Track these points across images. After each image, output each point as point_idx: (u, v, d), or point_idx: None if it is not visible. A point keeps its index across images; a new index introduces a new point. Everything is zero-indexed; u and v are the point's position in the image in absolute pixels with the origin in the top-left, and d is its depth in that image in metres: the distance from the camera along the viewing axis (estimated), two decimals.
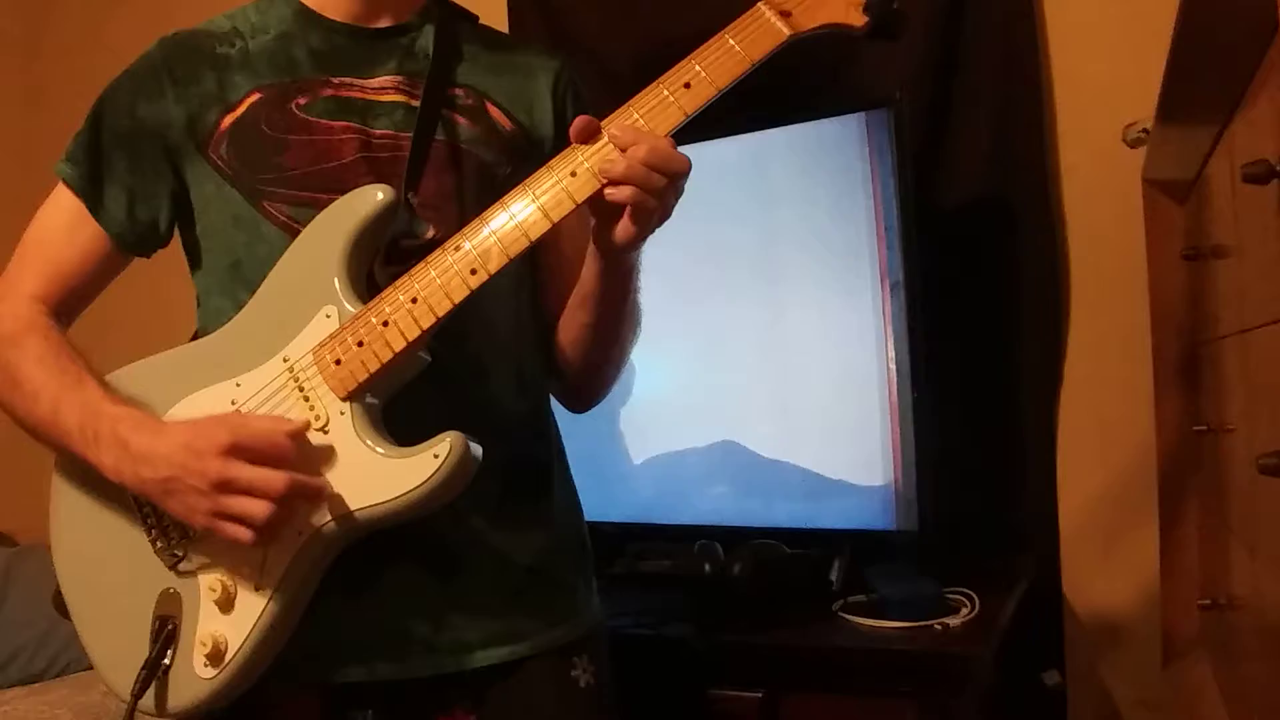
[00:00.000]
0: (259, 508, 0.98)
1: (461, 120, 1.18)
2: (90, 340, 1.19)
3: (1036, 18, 1.81)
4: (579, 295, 1.20)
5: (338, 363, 1.05)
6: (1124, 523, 1.78)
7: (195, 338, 1.21)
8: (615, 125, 1.04)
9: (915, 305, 1.60)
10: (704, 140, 1.75)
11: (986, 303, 1.83)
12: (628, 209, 1.04)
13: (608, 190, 1.03)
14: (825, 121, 1.69)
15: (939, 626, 1.46)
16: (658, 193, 1.03)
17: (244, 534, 1.00)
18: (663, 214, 1.06)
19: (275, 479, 0.99)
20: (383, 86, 1.17)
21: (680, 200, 1.07)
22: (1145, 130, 1.55)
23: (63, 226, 1.18)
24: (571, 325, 1.23)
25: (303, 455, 1.03)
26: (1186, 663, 1.62)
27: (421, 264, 1.05)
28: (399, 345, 1.04)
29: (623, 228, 1.06)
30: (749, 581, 1.55)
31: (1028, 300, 1.82)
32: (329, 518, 1.03)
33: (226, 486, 0.99)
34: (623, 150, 1.02)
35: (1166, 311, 1.69)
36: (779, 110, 1.68)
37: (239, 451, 1.00)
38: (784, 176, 1.75)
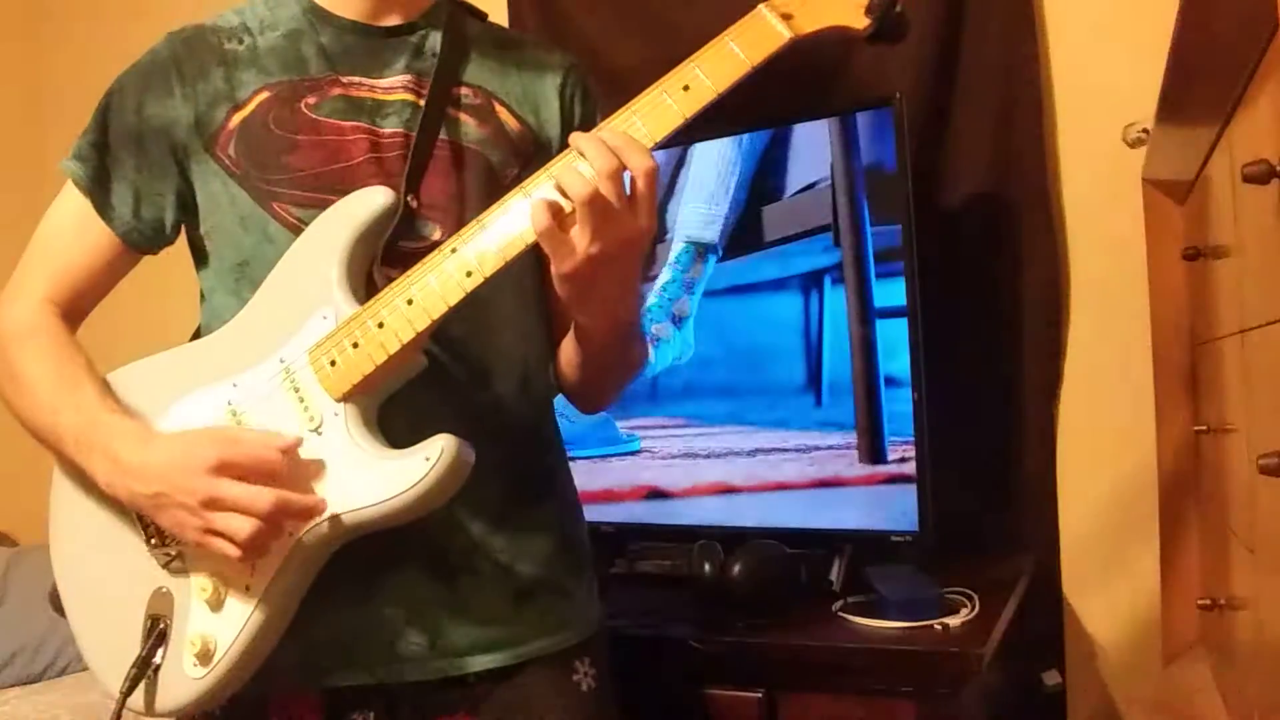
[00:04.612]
0: (244, 525, 0.98)
1: (469, 120, 1.17)
2: (86, 333, 1.19)
3: (1036, 18, 1.81)
4: (572, 336, 1.17)
5: (333, 364, 1.05)
6: (1124, 523, 1.78)
7: (197, 334, 1.21)
8: (606, 131, 1.01)
9: (916, 305, 1.60)
10: (704, 140, 1.77)
11: (987, 302, 1.83)
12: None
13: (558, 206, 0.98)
14: (825, 121, 1.69)
15: (939, 626, 1.46)
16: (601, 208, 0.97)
17: (231, 550, 1.00)
18: (612, 242, 0.99)
19: (261, 497, 0.98)
20: (392, 86, 1.16)
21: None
22: (1145, 130, 1.55)
23: (71, 226, 1.17)
24: (568, 355, 1.20)
25: (295, 459, 1.03)
26: (1186, 663, 1.62)
27: (418, 266, 1.04)
28: (394, 347, 1.03)
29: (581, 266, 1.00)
30: (749, 581, 1.55)
31: (1028, 300, 1.82)
32: (320, 520, 1.03)
33: (213, 504, 0.99)
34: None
35: (1166, 311, 1.69)
36: (779, 110, 1.68)
37: (226, 469, 0.99)
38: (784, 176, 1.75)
